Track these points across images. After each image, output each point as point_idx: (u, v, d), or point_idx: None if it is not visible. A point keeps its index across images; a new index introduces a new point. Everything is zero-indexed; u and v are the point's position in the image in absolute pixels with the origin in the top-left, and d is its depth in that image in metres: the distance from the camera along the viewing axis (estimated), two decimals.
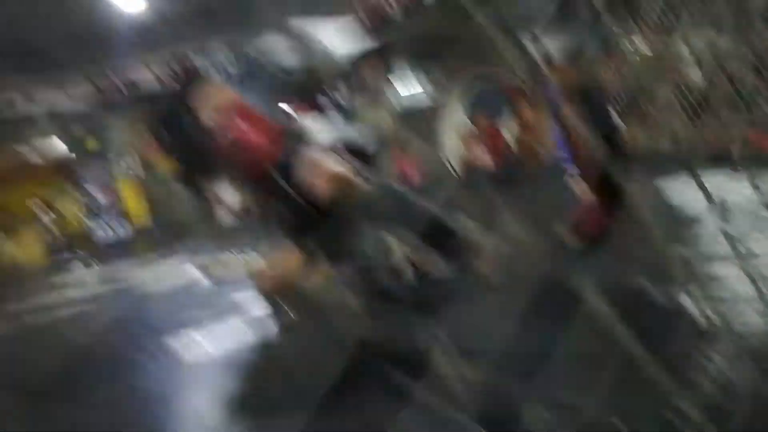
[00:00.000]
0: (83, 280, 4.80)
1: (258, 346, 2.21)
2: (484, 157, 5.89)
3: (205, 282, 3.67)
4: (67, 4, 4.12)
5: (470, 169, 6.36)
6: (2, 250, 7.17)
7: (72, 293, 3.24)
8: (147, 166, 7.62)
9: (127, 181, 8.00)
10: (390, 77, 7.89)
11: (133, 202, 7.94)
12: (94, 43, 5.26)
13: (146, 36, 5.51)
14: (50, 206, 7.34)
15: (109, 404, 1.58)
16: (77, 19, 4.76)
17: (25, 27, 4.55)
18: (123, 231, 7.25)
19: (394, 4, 5.78)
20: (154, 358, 1.98)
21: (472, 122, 6.51)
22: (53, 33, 4.54)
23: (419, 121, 8.01)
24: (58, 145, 7.23)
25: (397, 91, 8.10)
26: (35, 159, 7.12)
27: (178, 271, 4.26)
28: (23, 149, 6.71)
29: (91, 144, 6.97)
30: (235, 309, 2.63)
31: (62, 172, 7.59)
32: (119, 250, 6.77)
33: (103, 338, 2.28)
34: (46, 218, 7.08)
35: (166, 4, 5.34)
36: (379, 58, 7.49)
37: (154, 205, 7.81)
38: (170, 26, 5.40)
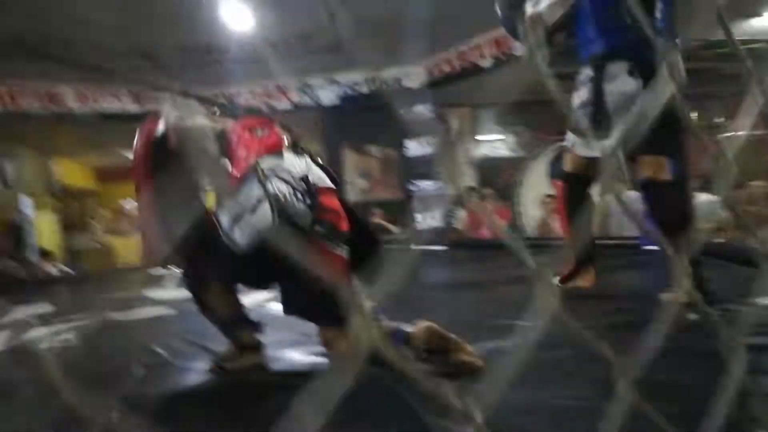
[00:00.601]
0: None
1: None
2: (558, 224, 7.02)
3: None
4: (183, 21, 4.42)
5: (545, 232, 7.02)
6: (108, 247, 7.97)
7: (163, 294, 3.51)
8: None
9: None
10: (475, 127, 7.52)
11: None
12: (202, 58, 6.03)
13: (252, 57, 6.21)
14: None
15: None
16: (189, 36, 5.29)
17: (141, 39, 5.14)
18: None
19: (486, 53, 6.07)
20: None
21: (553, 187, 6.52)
22: (166, 46, 5.40)
23: (497, 174, 7.88)
24: None
25: (480, 142, 7.44)
26: None
27: None
28: (127, 151, 5.85)
29: None
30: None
31: None
32: None
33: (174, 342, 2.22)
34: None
35: (272, 27, 5.81)
36: (466, 107, 7.25)
37: None
38: (273, 49, 6.16)
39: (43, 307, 3.71)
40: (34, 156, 8.65)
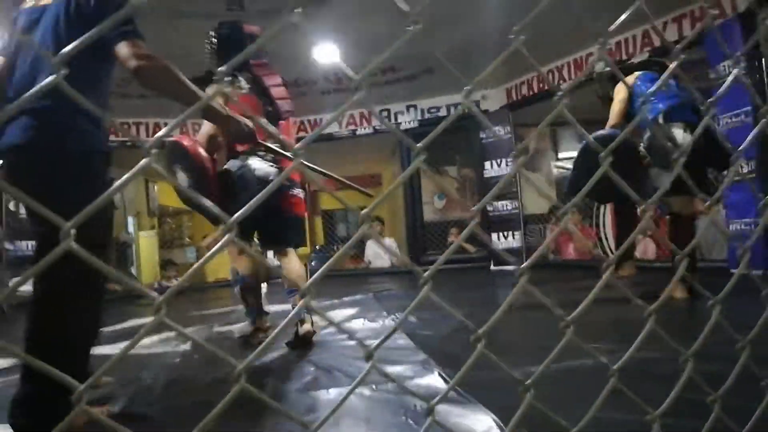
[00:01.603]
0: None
1: None
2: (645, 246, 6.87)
3: None
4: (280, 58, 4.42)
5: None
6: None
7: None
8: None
9: None
10: (556, 147, 7.52)
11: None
12: (291, 90, 6.85)
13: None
14: None
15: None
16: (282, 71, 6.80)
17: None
18: None
19: (565, 76, 6.13)
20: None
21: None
22: None
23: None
24: None
25: (561, 161, 7.42)
26: None
27: None
28: None
29: None
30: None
31: None
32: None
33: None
34: None
35: (356, 60, 7.13)
36: (543, 126, 7.26)
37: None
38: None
39: (146, 319, 4.10)
40: (136, 180, 9.41)
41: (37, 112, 1.53)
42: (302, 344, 2.66)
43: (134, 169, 0.56)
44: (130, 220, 8.96)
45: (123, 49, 1.58)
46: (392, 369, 2.07)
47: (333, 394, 1.85)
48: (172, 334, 3.17)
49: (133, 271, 8.66)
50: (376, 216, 8.28)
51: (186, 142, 2.54)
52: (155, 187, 9.35)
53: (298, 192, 2.92)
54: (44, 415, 1.51)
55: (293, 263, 2.81)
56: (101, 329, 1.87)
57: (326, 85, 6.65)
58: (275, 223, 2.72)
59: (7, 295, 0.54)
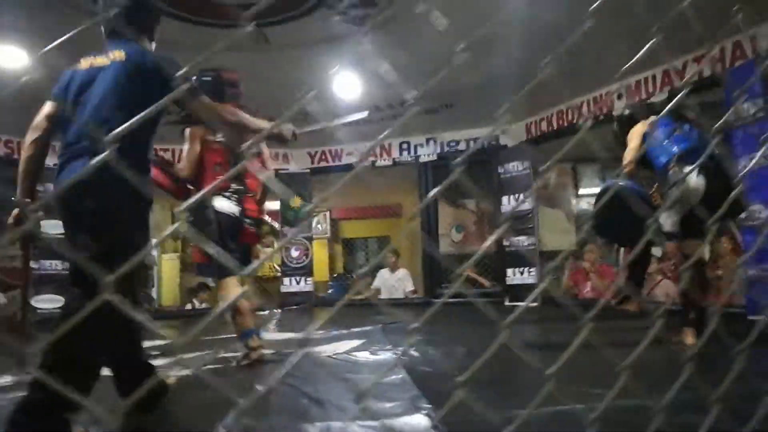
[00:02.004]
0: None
1: None
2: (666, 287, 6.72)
3: None
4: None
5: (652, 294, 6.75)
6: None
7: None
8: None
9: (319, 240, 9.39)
10: (576, 182, 7.39)
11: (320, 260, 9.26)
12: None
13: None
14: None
15: None
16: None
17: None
18: (307, 286, 7.95)
19: (585, 112, 6.14)
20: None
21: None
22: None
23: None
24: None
25: (582, 197, 7.27)
26: None
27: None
28: None
29: (297, 201, 7.73)
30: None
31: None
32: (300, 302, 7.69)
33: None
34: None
35: (377, 94, 6.12)
36: (566, 162, 7.20)
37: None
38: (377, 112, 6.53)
39: (159, 341, 4.15)
40: (162, 203, 9.64)
41: (96, 156, 1.63)
42: (252, 366, 3.08)
43: (167, 232, 0.62)
44: (154, 242, 9.15)
45: (197, 106, 2.01)
46: (382, 405, 2.09)
47: (320, 428, 1.87)
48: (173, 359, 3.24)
49: (153, 293, 8.80)
50: (392, 248, 8.30)
51: (155, 177, 3.03)
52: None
53: (250, 223, 3.37)
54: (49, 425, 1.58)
55: (230, 295, 3.13)
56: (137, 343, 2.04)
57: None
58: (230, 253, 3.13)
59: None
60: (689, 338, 3.09)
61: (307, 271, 7.88)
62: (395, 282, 7.66)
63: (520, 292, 6.85)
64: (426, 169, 7.80)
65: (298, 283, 7.74)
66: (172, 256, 9.42)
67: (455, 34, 4.16)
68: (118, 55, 1.93)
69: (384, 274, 7.77)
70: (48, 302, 6.29)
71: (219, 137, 3.23)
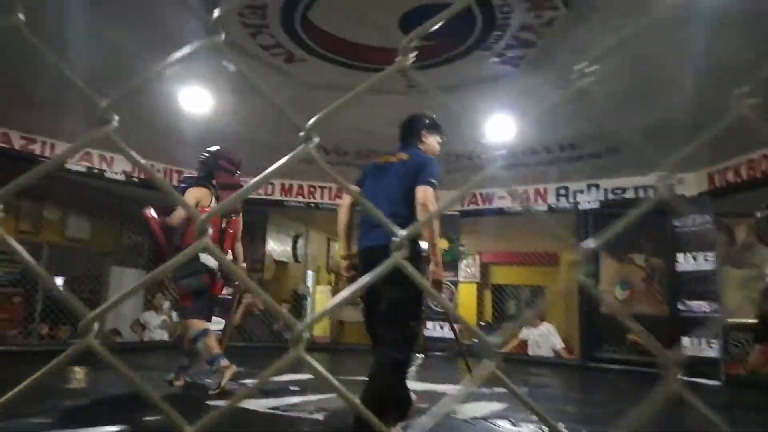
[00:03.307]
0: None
1: None
2: None
3: None
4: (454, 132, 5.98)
5: None
6: None
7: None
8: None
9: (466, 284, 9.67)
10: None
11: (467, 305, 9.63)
12: (463, 163, 6.52)
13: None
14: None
15: None
16: (457, 144, 5.06)
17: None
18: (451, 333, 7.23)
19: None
20: None
21: None
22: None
23: None
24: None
25: None
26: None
27: None
28: None
29: (444, 244, 7.36)
30: None
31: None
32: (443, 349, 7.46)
33: None
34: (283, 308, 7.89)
35: (533, 137, 6.05)
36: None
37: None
38: (534, 155, 6.36)
39: (302, 376, 4.19)
40: (319, 236, 10.16)
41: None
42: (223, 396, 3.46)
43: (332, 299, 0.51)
44: (310, 273, 9.61)
45: (423, 193, 2.54)
46: None
47: None
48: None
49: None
50: (530, 302, 7.72)
51: (147, 214, 3.87)
52: (336, 246, 10.00)
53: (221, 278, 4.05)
54: None
55: (192, 329, 3.79)
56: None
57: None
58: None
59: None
60: None
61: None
62: (538, 337, 7.06)
63: (699, 366, 5.90)
64: (586, 217, 7.20)
65: (442, 328, 7.47)
66: (326, 289, 9.81)
67: (617, 74, 3.78)
68: (403, 156, 2.69)
69: (535, 329, 7.23)
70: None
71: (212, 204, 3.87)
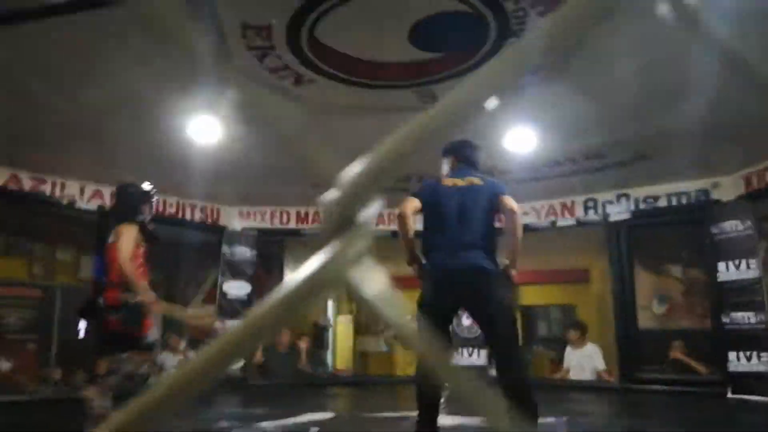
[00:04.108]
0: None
1: None
2: None
3: None
4: None
5: None
6: (391, 354, 9.35)
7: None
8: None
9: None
10: None
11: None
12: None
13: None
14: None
15: None
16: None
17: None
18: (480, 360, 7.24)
19: None
20: None
21: None
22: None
23: None
24: None
25: None
26: None
27: None
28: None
29: None
30: None
31: None
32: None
33: None
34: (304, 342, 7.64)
35: (555, 148, 5.71)
36: None
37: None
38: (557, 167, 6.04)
39: (324, 414, 3.91)
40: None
41: (481, 248, 2.90)
42: None
43: None
44: (330, 303, 9.32)
45: (511, 201, 2.96)
46: None
47: None
48: None
49: (329, 355, 8.88)
50: (575, 321, 7.32)
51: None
52: None
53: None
54: None
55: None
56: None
57: (521, 174, 6.21)
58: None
59: None
60: None
61: (480, 342, 7.25)
62: (583, 359, 6.64)
63: (748, 382, 5.48)
64: (617, 230, 6.85)
65: (470, 355, 7.09)
66: (347, 318, 9.49)
67: (641, 79, 3.47)
68: (475, 181, 3.02)
69: (569, 351, 6.83)
70: None
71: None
